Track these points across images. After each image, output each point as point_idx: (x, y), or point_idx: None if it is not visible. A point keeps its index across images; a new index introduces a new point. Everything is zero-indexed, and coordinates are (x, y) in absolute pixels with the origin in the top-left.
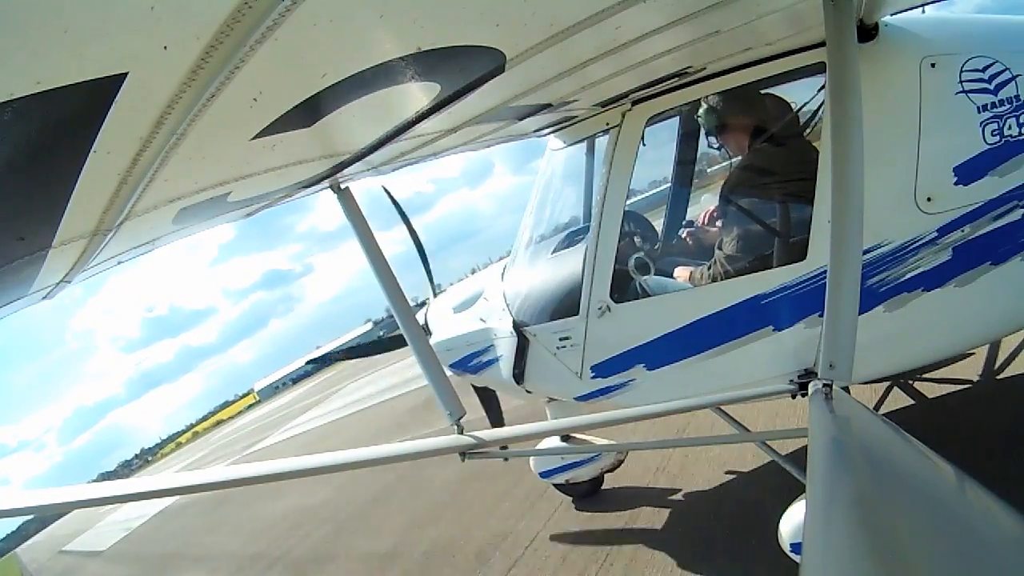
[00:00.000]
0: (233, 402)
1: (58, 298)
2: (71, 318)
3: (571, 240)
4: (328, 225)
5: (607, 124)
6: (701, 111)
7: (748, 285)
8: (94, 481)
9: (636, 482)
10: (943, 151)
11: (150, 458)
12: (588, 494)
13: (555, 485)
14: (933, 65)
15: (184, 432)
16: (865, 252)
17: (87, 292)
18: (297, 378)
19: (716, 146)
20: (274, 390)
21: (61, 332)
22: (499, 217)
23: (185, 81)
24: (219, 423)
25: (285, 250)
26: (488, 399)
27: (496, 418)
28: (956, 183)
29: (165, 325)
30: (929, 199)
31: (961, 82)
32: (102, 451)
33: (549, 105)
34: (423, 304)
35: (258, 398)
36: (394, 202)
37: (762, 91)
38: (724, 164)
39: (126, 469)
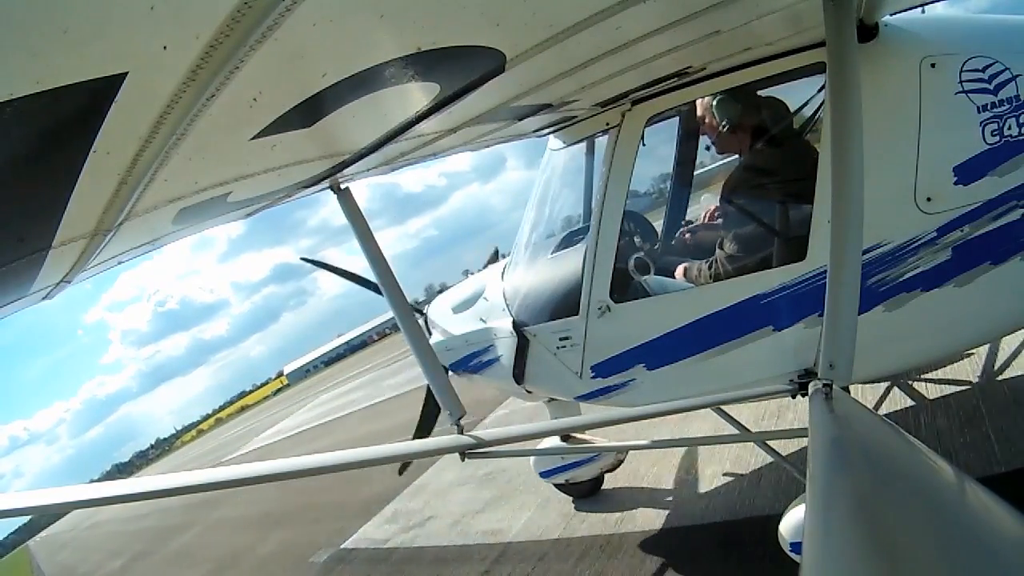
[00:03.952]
0: (251, 391)
1: (69, 293)
2: (83, 312)
3: (571, 240)
4: (339, 220)
5: (607, 124)
6: (714, 103)
7: (748, 285)
8: (109, 472)
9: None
10: (943, 151)
11: (167, 447)
12: (588, 494)
13: (555, 485)
14: (933, 65)
15: (206, 419)
16: (865, 252)
17: (99, 287)
18: (329, 360)
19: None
20: (304, 373)
21: (73, 326)
22: (512, 211)
23: (185, 81)
24: (244, 408)
25: (296, 244)
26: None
27: (423, 429)
28: (956, 183)
29: (177, 319)
30: (929, 199)
31: (961, 82)
32: (114, 444)
33: (549, 105)
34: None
35: (287, 381)
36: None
37: (761, 91)
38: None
39: (142, 460)
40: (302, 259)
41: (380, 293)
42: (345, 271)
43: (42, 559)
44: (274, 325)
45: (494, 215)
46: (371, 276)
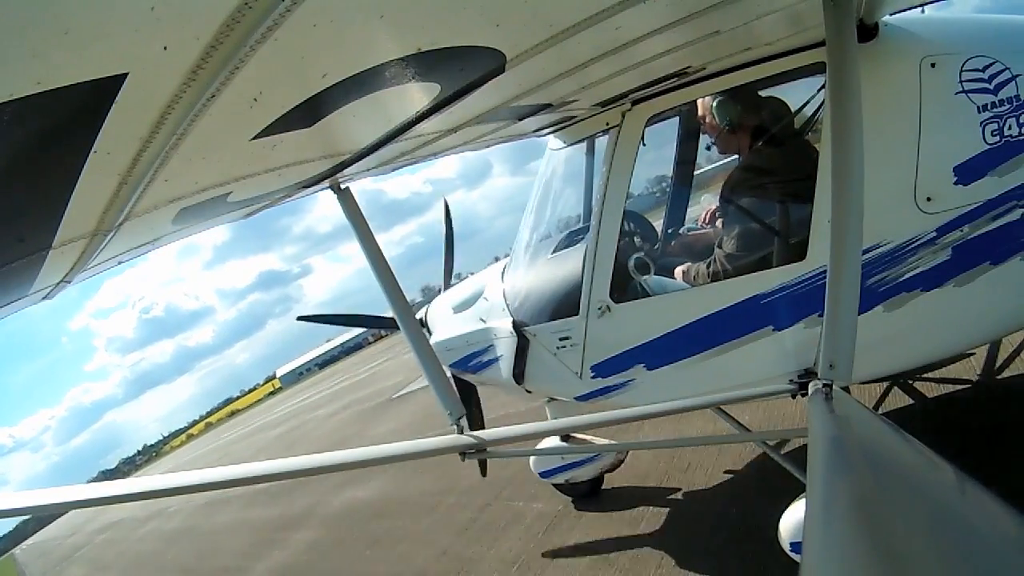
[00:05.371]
0: (238, 397)
1: (55, 299)
2: (68, 319)
3: (571, 240)
4: (324, 226)
5: (607, 124)
6: (714, 103)
7: (748, 285)
8: (96, 479)
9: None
10: (943, 151)
11: (155, 453)
12: (588, 494)
13: (555, 485)
14: (933, 65)
15: (195, 424)
16: (865, 252)
17: (83, 293)
18: (323, 363)
19: (717, 144)
20: (298, 375)
21: (58, 333)
22: (498, 218)
23: (185, 81)
24: (234, 413)
25: (281, 251)
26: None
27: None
28: (956, 183)
29: (162, 326)
30: (929, 199)
31: (961, 82)
32: (100, 451)
33: (549, 105)
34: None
35: (280, 384)
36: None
37: (762, 91)
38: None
39: (129, 466)
40: (299, 318)
41: (390, 328)
42: (347, 317)
43: (35, 574)
44: (259, 332)
45: (480, 221)
46: (370, 276)
